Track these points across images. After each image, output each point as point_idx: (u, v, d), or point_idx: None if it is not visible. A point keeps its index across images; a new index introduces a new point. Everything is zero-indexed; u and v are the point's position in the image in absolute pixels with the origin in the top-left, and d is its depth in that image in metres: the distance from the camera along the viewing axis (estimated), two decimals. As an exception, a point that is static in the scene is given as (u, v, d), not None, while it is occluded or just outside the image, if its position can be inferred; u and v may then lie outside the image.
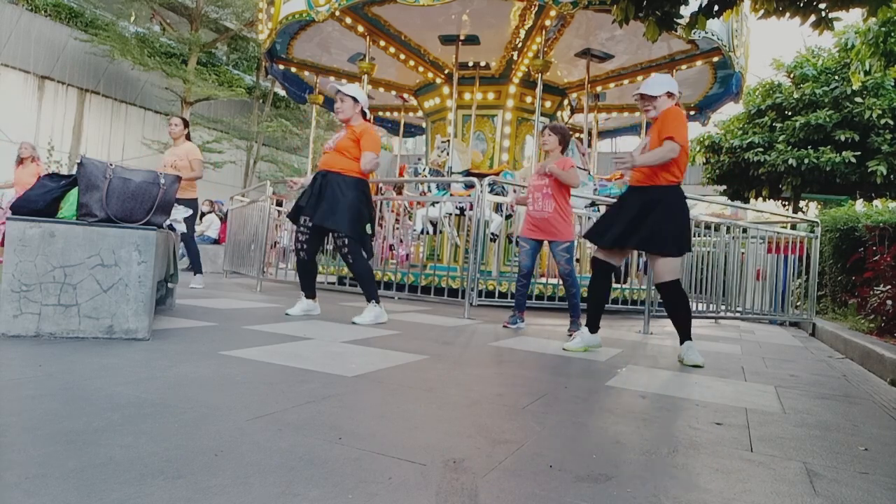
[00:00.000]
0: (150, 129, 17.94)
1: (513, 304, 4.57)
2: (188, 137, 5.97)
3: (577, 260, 7.21)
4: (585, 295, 3.61)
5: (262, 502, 1.07)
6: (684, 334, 3.27)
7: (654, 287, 3.93)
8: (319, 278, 7.17)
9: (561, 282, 4.77)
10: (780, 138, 12.17)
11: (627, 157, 3.21)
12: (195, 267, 6.08)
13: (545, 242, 4.46)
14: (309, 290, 4.12)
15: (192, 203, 5.89)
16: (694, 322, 6.05)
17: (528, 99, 8.62)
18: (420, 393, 2.05)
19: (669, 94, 3.27)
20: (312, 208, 3.89)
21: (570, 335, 4.12)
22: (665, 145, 3.12)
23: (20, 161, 7.41)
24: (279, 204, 7.69)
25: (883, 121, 11.19)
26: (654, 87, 3.27)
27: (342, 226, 3.84)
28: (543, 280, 6.47)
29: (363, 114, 4.06)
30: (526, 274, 4.51)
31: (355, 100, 3.99)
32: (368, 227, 4.00)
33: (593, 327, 3.48)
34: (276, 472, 1.21)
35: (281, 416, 1.62)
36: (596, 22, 7.10)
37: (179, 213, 3.52)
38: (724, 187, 13.70)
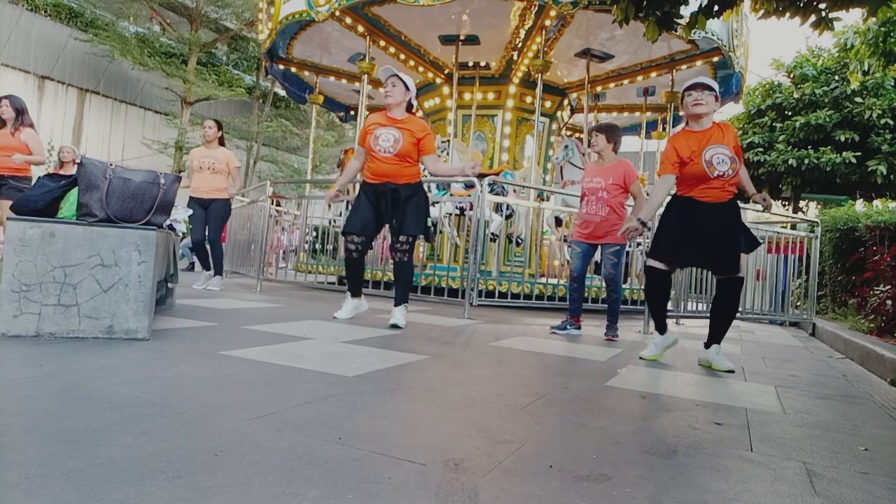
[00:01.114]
0: (150, 129, 17.96)
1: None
2: (221, 141, 5.94)
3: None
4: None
5: (262, 502, 1.07)
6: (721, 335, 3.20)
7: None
8: (319, 278, 7.19)
9: (564, 282, 4.74)
10: (780, 138, 12.17)
11: (636, 224, 3.17)
12: (217, 269, 6.05)
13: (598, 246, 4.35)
14: (357, 289, 4.04)
15: (226, 204, 5.91)
16: (694, 322, 6.10)
17: (528, 99, 8.61)
18: (420, 393, 2.05)
19: (717, 98, 3.16)
20: (399, 222, 3.80)
21: (608, 338, 4.15)
22: (741, 168, 3.09)
23: (61, 165, 7.37)
24: (278, 204, 7.68)
25: (883, 121, 11.20)
26: (711, 81, 3.15)
27: (420, 230, 3.82)
28: (543, 280, 6.46)
29: (409, 106, 3.94)
30: (577, 277, 4.35)
31: (407, 87, 3.85)
32: (429, 221, 4.00)
33: (663, 328, 3.35)
34: (276, 472, 1.21)
35: (281, 416, 1.62)
36: (596, 22, 7.10)
37: (179, 213, 3.52)
38: (724, 187, 13.67)
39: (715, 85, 3.17)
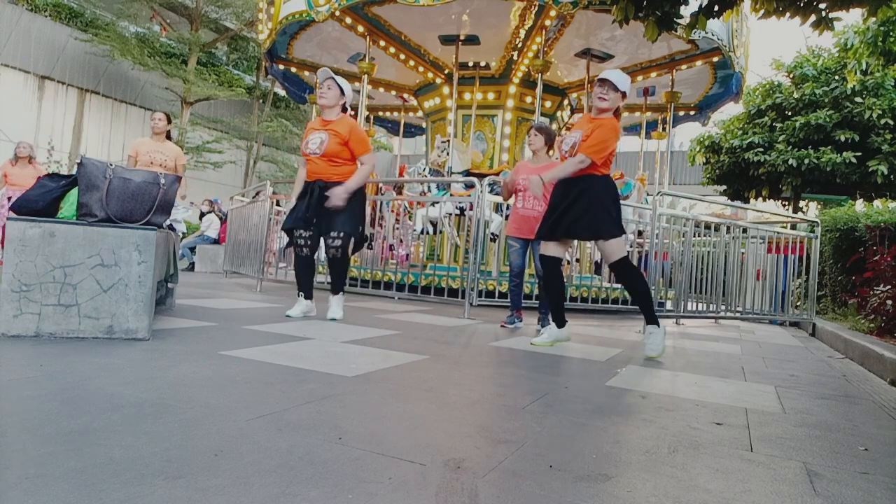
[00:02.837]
0: (150, 130, 17.94)
1: (509, 304, 4.57)
2: (169, 136, 5.74)
3: (577, 260, 7.23)
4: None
5: (262, 502, 1.07)
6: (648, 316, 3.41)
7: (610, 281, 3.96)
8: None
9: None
10: (780, 138, 12.16)
11: (536, 181, 3.43)
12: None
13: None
14: (308, 290, 4.13)
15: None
16: (694, 322, 6.10)
17: (528, 99, 8.61)
18: (420, 393, 2.05)
19: (624, 95, 3.40)
20: (331, 221, 3.90)
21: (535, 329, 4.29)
22: (577, 156, 3.31)
23: (16, 160, 7.34)
24: (278, 203, 7.68)
25: (883, 121, 11.18)
26: (619, 80, 3.36)
27: (348, 228, 3.91)
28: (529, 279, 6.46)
29: (344, 108, 4.04)
30: (518, 273, 4.51)
31: (342, 92, 3.98)
32: (362, 228, 4.05)
33: (561, 322, 3.59)
34: (276, 472, 1.21)
35: (281, 416, 1.62)
36: (596, 22, 7.10)
37: (180, 213, 3.53)
38: (724, 187, 13.68)
39: (616, 77, 3.38)
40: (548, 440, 1.60)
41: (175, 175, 2.98)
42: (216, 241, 10.41)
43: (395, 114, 11.45)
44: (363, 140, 3.98)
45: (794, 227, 7.15)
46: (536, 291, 5.95)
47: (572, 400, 2.12)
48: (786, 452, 1.67)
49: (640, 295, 3.42)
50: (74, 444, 1.27)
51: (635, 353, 3.52)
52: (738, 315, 6.56)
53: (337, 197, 3.76)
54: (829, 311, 7.17)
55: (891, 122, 11.24)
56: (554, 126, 9.48)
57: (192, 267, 9.92)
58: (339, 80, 4.01)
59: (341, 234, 3.91)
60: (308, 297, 4.12)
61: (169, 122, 5.69)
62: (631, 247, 6.70)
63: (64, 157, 15.76)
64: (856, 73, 6.98)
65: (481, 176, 6.07)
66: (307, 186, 4.02)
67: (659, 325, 3.35)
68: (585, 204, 3.32)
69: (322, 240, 4.10)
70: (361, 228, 4.05)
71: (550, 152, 4.48)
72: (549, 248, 3.56)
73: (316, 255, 4.16)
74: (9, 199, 6.92)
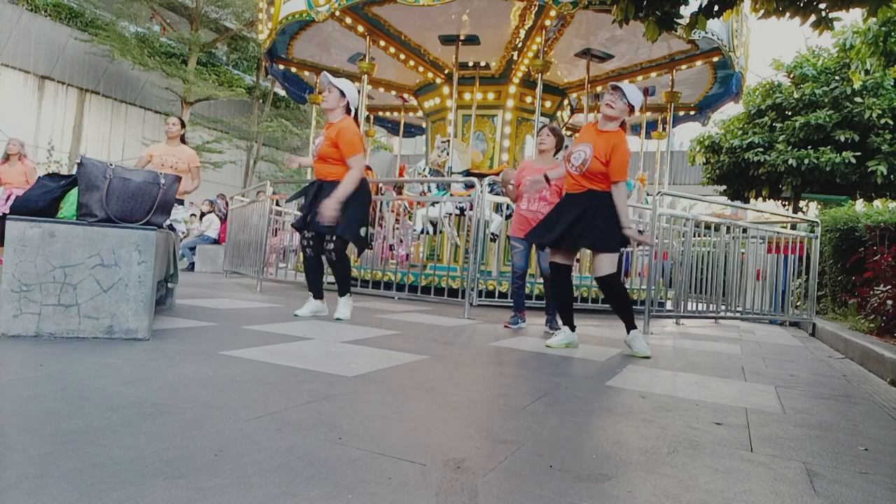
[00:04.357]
0: (150, 129, 17.94)
1: (513, 304, 4.58)
2: (183, 139, 5.91)
3: (577, 260, 7.22)
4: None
5: (262, 502, 1.07)
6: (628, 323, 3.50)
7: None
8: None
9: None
10: (780, 138, 12.16)
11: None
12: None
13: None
14: (317, 290, 4.12)
15: (183, 205, 5.85)
16: (694, 322, 6.10)
17: (528, 99, 8.61)
18: (420, 393, 2.05)
19: (632, 109, 3.40)
20: (315, 217, 3.93)
21: (547, 331, 4.32)
22: (619, 185, 3.37)
23: (6, 158, 7.30)
24: (277, 203, 7.68)
25: (883, 121, 11.18)
26: (630, 92, 3.38)
27: (341, 231, 3.90)
28: (542, 280, 6.46)
29: (348, 110, 4.05)
30: (521, 275, 4.52)
31: (342, 93, 3.99)
32: (363, 230, 4.00)
33: (572, 325, 3.61)
34: (276, 472, 1.21)
35: (281, 416, 1.62)
36: (596, 22, 7.10)
37: (179, 213, 3.53)
38: (724, 187, 13.68)
39: (630, 90, 3.39)
40: (548, 440, 1.60)
41: (175, 175, 2.98)
42: (216, 241, 10.42)
43: (395, 114, 11.45)
44: (350, 142, 3.92)
45: (794, 227, 7.14)
46: (537, 292, 5.99)
47: (572, 400, 2.12)
48: (786, 452, 1.67)
49: (623, 308, 3.51)
50: (74, 444, 1.27)
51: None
52: (738, 315, 6.55)
53: (327, 208, 3.75)
54: (829, 311, 7.17)
55: (891, 122, 11.23)
56: (553, 125, 9.49)
57: (192, 267, 9.92)
58: (340, 82, 4.03)
59: (333, 238, 3.94)
60: (317, 296, 4.12)
61: (183, 126, 5.77)
62: (632, 247, 6.70)
63: (64, 157, 15.76)
64: (860, 74, 6.97)
65: (481, 176, 6.07)
66: (309, 186, 4.09)
67: (637, 328, 3.51)
68: (601, 218, 3.35)
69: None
70: (365, 231, 4.04)
71: (557, 154, 4.49)
72: (559, 256, 3.58)
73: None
74: (7, 198, 6.88)
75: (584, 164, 3.35)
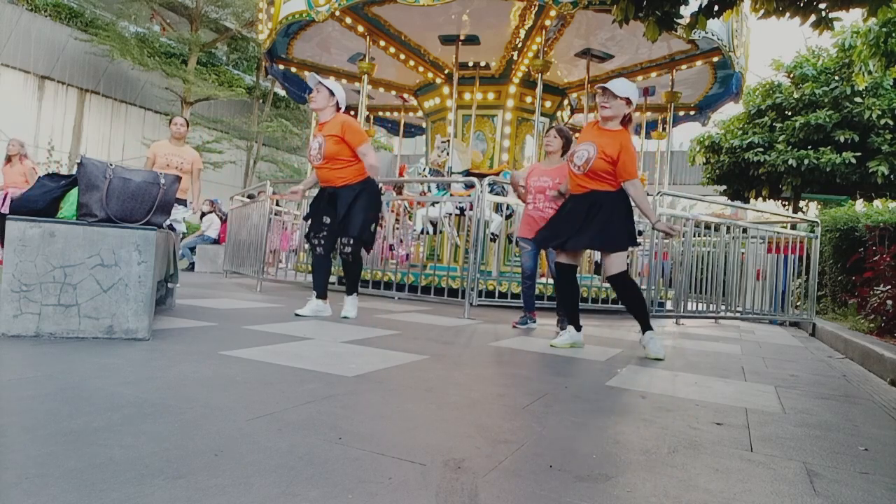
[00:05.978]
0: (150, 129, 17.94)
1: (516, 305, 4.57)
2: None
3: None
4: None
5: (262, 502, 1.07)
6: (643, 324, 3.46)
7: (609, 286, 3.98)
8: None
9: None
10: (780, 138, 12.16)
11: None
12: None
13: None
14: (321, 290, 4.13)
15: (187, 205, 5.85)
16: (694, 322, 6.10)
17: (528, 99, 8.61)
18: (420, 393, 2.05)
19: (629, 101, 3.37)
20: (342, 224, 3.98)
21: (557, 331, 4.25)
22: (634, 183, 3.34)
23: (8, 159, 7.28)
24: (277, 204, 7.68)
25: (883, 121, 11.18)
26: (618, 87, 3.36)
27: (356, 232, 3.96)
28: (543, 280, 6.46)
29: (338, 108, 4.07)
30: (530, 275, 4.51)
31: (331, 93, 4.01)
32: (373, 227, 4.10)
33: (578, 325, 3.61)
34: (276, 472, 1.21)
35: (281, 416, 1.62)
36: (596, 22, 7.10)
37: (179, 213, 3.53)
38: (724, 187, 13.69)
39: (616, 86, 3.36)
40: (548, 440, 1.60)
41: (175, 175, 2.98)
42: (216, 241, 10.41)
43: (395, 114, 11.45)
44: (357, 130, 4.01)
45: (794, 227, 7.15)
46: (548, 293, 5.98)
47: (572, 400, 2.12)
48: (786, 452, 1.67)
49: (638, 307, 3.47)
50: (74, 444, 1.27)
51: (635, 353, 3.52)
52: (738, 315, 6.55)
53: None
54: (829, 311, 7.17)
55: (890, 123, 11.24)
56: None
57: (192, 267, 9.92)
58: (328, 81, 4.08)
59: (351, 240, 3.99)
60: (320, 296, 4.12)
61: (188, 126, 5.78)
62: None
63: (64, 157, 15.75)
64: (863, 76, 6.96)
65: (481, 176, 6.07)
66: (320, 192, 4.13)
67: (653, 329, 3.46)
68: (606, 217, 3.34)
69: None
70: (373, 227, 4.11)
71: (564, 155, 4.50)
72: (564, 256, 3.58)
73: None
74: (3, 198, 6.86)
75: (588, 162, 3.34)
